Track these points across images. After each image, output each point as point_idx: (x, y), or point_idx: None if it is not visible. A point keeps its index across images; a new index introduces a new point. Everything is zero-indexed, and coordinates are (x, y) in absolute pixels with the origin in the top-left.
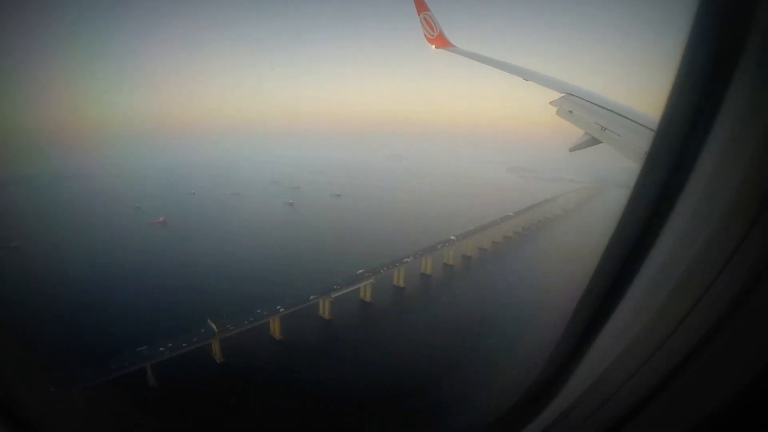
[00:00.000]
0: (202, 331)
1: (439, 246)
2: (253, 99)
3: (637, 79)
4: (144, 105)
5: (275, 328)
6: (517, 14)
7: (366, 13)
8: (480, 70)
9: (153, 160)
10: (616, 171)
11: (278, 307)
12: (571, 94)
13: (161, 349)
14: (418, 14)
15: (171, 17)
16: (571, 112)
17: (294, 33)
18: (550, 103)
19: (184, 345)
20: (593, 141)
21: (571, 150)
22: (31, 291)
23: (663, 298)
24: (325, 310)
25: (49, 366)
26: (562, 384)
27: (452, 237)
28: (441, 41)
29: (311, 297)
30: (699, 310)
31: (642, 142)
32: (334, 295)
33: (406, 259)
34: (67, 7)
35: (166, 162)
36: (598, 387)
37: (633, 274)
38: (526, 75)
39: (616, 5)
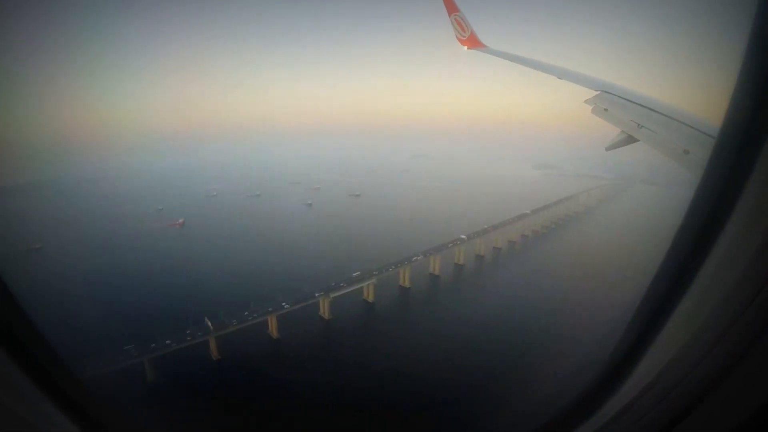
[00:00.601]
0: (198, 331)
1: (450, 245)
2: (275, 99)
3: (675, 75)
4: (166, 108)
5: (273, 327)
6: (548, 12)
7: (390, 12)
8: (509, 69)
9: (176, 162)
10: (644, 168)
11: (283, 304)
12: (607, 92)
13: (152, 345)
14: (449, 15)
15: (187, 18)
16: (606, 110)
17: (317, 32)
18: (585, 101)
19: (172, 344)
20: (630, 139)
21: (608, 149)
22: (50, 290)
23: (719, 298)
24: (325, 309)
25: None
26: (618, 385)
27: (463, 236)
28: (473, 41)
29: (316, 294)
30: (752, 310)
31: (679, 139)
32: (333, 295)
33: (415, 258)
34: (81, 11)
35: (188, 164)
36: (653, 388)
37: (692, 276)
38: (560, 73)
39: (651, 3)
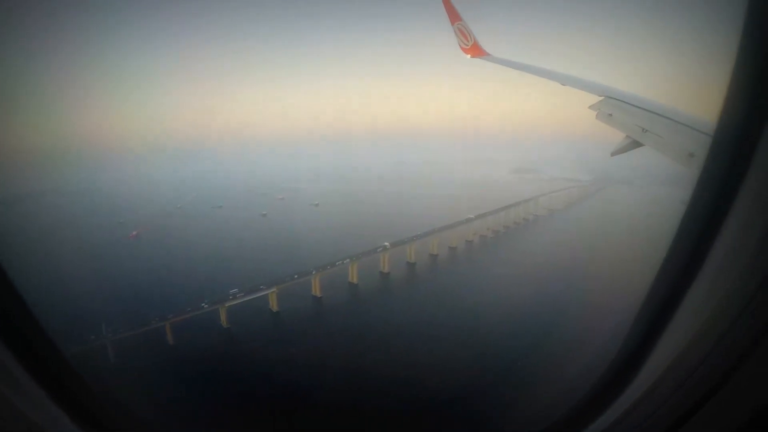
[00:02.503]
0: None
1: (371, 252)
2: (260, 105)
3: (678, 77)
4: (143, 118)
5: (169, 334)
6: (550, 18)
7: (385, 19)
8: (505, 75)
9: (149, 175)
10: (627, 169)
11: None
12: (611, 97)
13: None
14: (452, 24)
15: (159, 34)
16: (611, 115)
17: (304, 36)
18: (590, 107)
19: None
20: (635, 144)
21: (613, 154)
22: None
23: (721, 296)
24: (223, 318)
25: None
26: (625, 385)
27: (386, 243)
28: (476, 50)
29: (203, 305)
30: (755, 307)
31: (684, 142)
32: (228, 304)
33: (330, 267)
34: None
35: (162, 176)
36: (660, 386)
37: (695, 272)
38: (563, 79)
39: (651, 6)
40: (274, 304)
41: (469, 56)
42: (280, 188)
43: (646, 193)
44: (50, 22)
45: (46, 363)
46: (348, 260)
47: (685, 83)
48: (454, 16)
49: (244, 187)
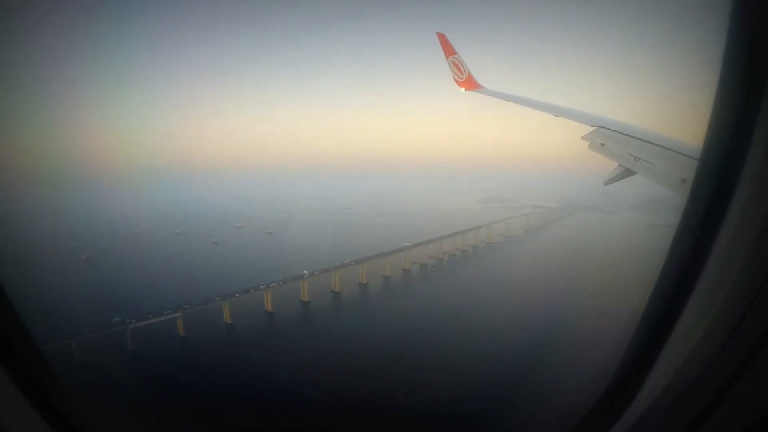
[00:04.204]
0: None
1: (289, 280)
2: (236, 137)
3: (668, 105)
4: (118, 140)
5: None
6: (544, 50)
7: (370, 46)
8: (500, 106)
9: (118, 200)
10: (613, 195)
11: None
12: (603, 127)
13: None
14: (446, 58)
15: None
16: (603, 144)
17: (292, 64)
18: (582, 137)
19: None
20: (627, 172)
21: (606, 183)
22: None
23: (722, 300)
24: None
25: None
26: (634, 393)
27: (305, 272)
28: (470, 83)
29: (114, 320)
30: (756, 309)
31: (676, 169)
32: (132, 326)
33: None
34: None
35: (131, 201)
36: (669, 391)
37: (693, 282)
38: (556, 111)
39: (640, 37)
40: (181, 329)
41: (463, 89)
42: (242, 217)
43: (611, 219)
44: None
45: (29, 367)
46: (263, 287)
47: (675, 110)
48: (448, 49)
49: (208, 215)
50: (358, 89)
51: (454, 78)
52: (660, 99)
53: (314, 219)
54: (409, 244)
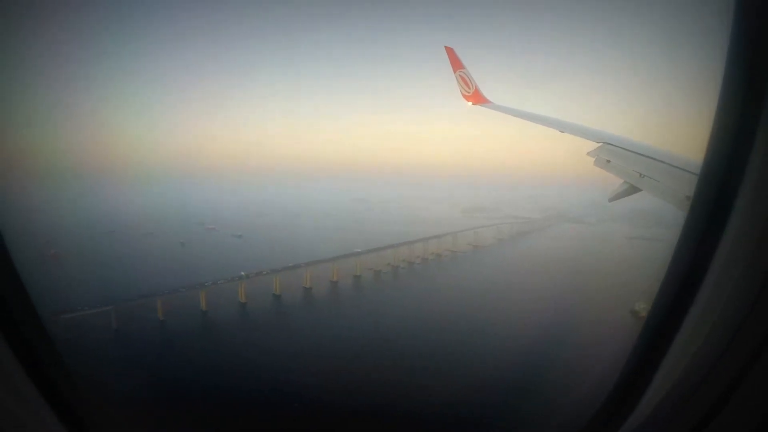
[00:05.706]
0: None
1: (229, 281)
2: (229, 139)
3: (673, 121)
4: (109, 141)
5: None
6: (552, 66)
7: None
8: (506, 120)
9: (100, 198)
10: (597, 206)
11: None
12: (608, 143)
13: None
14: (454, 72)
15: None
16: (608, 161)
17: (291, 71)
18: (588, 153)
19: None
20: (632, 189)
21: (611, 200)
22: None
23: (725, 301)
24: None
25: None
26: (638, 396)
27: (242, 273)
28: (477, 98)
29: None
30: (759, 309)
31: (681, 186)
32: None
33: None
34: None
35: (113, 200)
36: (674, 393)
37: (698, 283)
38: (562, 126)
39: (646, 51)
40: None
41: (470, 103)
42: (216, 220)
43: (591, 230)
44: None
45: (44, 364)
46: (199, 288)
47: (680, 124)
48: (456, 64)
49: (188, 217)
50: (355, 97)
51: (461, 92)
52: (667, 112)
53: (289, 223)
54: (359, 250)
